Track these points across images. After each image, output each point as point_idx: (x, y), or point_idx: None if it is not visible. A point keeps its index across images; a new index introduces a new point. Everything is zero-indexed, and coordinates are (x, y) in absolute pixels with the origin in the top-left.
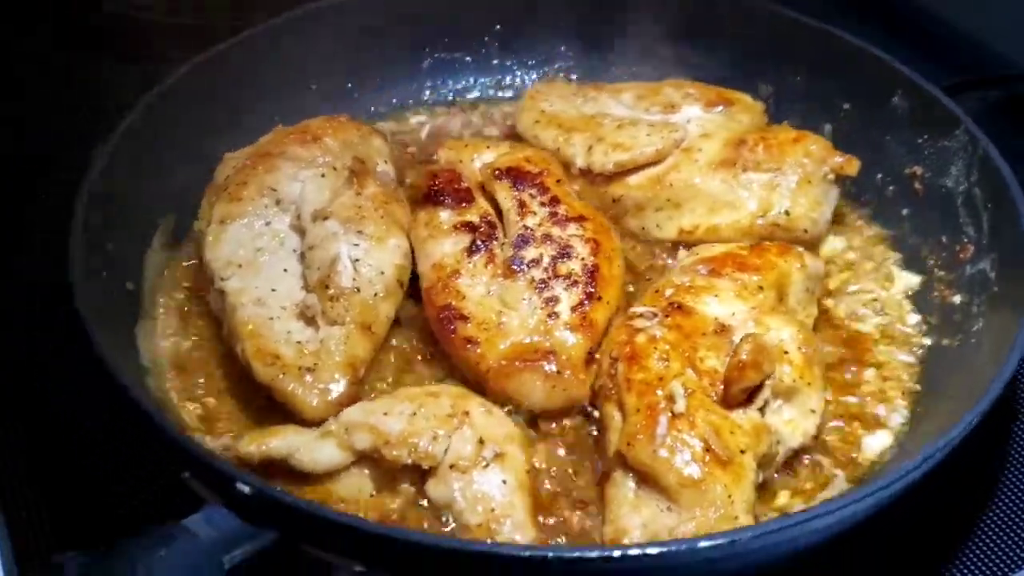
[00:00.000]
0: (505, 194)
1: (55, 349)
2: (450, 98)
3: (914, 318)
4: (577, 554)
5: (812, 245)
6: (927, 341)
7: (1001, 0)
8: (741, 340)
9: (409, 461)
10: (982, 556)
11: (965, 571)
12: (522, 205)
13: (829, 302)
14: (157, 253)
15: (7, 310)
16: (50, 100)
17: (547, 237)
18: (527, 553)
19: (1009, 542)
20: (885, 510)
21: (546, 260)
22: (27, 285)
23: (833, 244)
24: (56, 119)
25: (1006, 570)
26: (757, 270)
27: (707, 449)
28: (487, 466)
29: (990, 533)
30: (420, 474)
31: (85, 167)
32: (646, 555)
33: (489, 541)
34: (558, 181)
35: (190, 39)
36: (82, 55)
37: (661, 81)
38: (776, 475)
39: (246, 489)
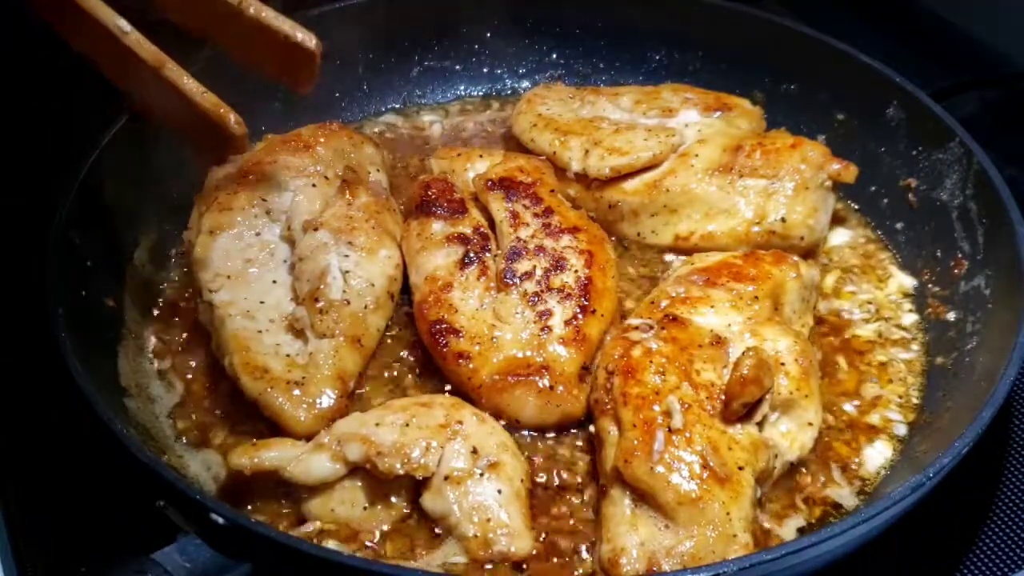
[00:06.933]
0: (498, 205)
1: (34, 366)
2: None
3: (911, 318)
4: None
5: (809, 253)
6: (922, 357)
7: (1001, 0)
8: (742, 355)
9: (402, 472)
10: (982, 556)
11: (966, 571)
12: (515, 216)
13: (824, 305)
14: (138, 270)
15: None
16: (46, 100)
17: (540, 249)
18: None
19: (1009, 542)
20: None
21: (539, 273)
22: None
23: (841, 237)
24: (52, 119)
25: (1006, 570)
26: (752, 280)
27: (705, 466)
28: (482, 476)
29: (990, 534)
30: (414, 486)
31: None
32: None
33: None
34: (552, 191)
35: (190, 39)
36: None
37: (658, 86)
38: (778, 487)
39: (220, 519)
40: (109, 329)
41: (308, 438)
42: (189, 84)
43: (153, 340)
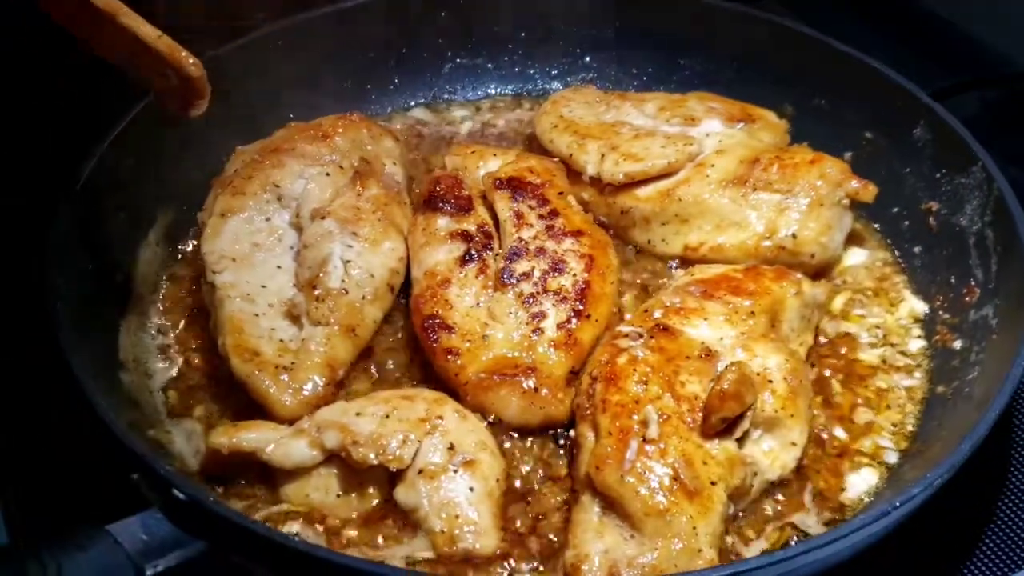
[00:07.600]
0: (503, 204)
1: (35, 366)
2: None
3: (918, 344)
4: None
5: (822, 271)
6: (925, 384)
7: (1001, 0)
8: (724, 369)
9: (375, 462)
10: (982, 557)
11: (966, 571)
12: (519, 216)
13: (831, 327)
14: (152, 247)
15: None
16: (46, 99)
17: (541, 251)
18: None
19: (1010, 543)
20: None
21: (537, 274)
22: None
23: (858, 257)
24: (59, 112)
25: (1006, 571)
26: (751, 294)
27: (675, 478)
28: (456, 472)
29: (990, 535)
30: (389, 478)
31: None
32: None
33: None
34: (560, 193)
35: (202, 38)
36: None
37: (685, 94)
38: (752, 506)
39: (179, 495)
40: (115, 304)
41: (292, 423)
42: (145, 29)
43: (157, 317)
